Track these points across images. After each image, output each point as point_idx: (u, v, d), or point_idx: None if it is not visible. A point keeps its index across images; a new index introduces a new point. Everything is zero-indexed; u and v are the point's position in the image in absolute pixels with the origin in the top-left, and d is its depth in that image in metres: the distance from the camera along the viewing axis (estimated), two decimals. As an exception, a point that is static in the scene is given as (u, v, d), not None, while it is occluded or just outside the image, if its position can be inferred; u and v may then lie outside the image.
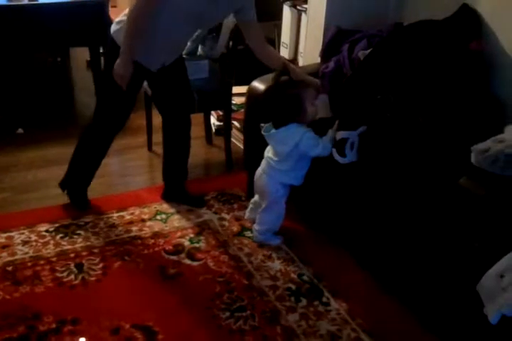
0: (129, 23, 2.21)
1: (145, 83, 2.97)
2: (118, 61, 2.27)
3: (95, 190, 2.90)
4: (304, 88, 2.26)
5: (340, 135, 2.19)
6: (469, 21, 2.45)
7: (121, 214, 2.72)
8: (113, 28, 2.38)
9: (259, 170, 2.46)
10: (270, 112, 2.30)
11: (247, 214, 2.69)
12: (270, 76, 2.64)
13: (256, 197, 2.59)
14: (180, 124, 2.73)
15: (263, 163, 2.44)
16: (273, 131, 2.29)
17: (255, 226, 2.53)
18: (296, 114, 2.24)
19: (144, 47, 2.27)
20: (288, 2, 3.56)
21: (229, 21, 2.78)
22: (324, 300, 2.20)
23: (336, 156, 2.20)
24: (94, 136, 2.63)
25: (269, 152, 2.41)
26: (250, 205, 2.66)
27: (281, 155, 2.33)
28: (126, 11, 2.31)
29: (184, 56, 2.70)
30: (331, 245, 2.50)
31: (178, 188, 2.85)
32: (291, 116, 2.25)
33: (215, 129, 3.58)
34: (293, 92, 2.23)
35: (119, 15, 2.39)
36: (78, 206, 2.76)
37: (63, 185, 2.77)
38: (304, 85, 2.29)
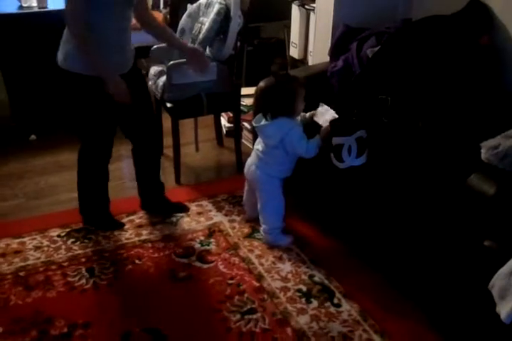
0: (74, 36, 2.24)
1: (154, 85, 2.98)
2: (106, 83, 2.22)
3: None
4: (299, 85, 2.31)
5: (336, 141, 2.20)
6: (479, 15, 2.42)
7: (131, 217, 2.72)
8: (60, 59, 2.37)
9: (249, 162, 2.49)
10: (264, 103, 2.32)
11: (244, 198, 2.70)
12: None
13: (246, 187, 2.62)
14: (148, 148, 2.64)
15: (252, 154, 2.48)
16: (263, 122, 2.31)
17: (261, 227, 2.52)
18: (287, 108, 2.28)
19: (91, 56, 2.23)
20: (296, 1, 3.55)
21: (236, 23, 2.77)
22: (335, 301, 2.17)
23: (334, 161, 2.21)
24: (90, 166, 2.54)
25: (258, 144, 2.44)
26: (244, 192, 2.66)
27: (268, 147, 2.36)
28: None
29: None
30: (342, 246, 2.48)
31: (159, 199, 2.78)
32: (282, 109, 2.27)
33: (226, 131, 3.57)
34: (289, 87, 2.28)
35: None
36: (108, 227, 2.63)
37: (83, 211, 2.66)
38: (299, 82, 2.34)
